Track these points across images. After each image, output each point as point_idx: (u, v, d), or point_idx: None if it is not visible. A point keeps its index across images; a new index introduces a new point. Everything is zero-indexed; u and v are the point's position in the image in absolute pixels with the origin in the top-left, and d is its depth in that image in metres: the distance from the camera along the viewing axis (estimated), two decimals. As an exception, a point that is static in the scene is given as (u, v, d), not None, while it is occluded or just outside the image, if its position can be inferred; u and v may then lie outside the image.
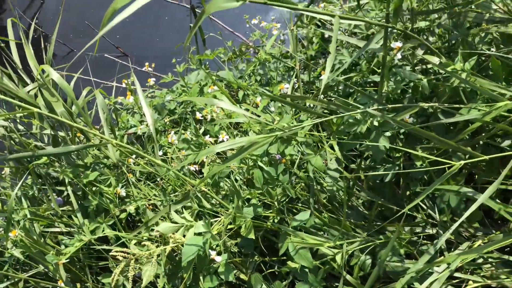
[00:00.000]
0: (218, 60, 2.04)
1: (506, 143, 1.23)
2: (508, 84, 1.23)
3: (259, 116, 1.51)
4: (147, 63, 1.73)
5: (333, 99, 1.71)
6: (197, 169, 1.46)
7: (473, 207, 0.88)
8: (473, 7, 1.24)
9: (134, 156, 1.35)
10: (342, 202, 1.43)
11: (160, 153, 1.43)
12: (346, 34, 1.80)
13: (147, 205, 1.33)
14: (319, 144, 1.40)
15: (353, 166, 1.53)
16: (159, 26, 3.47)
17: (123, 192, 1.31)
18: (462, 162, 0.89)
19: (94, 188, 1.33)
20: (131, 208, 1.29)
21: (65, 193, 1.43)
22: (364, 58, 1.67)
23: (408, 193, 1.40)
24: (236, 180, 1.36)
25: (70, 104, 1.19)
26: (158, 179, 1.40)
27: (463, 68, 0.98)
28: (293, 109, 1.46)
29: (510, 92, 0.98)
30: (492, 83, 1.05)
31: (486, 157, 0.90)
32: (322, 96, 1.75)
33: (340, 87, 1.68)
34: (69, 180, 1.34)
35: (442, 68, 0.98)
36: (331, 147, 1.37)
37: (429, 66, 1.39)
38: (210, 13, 0.72)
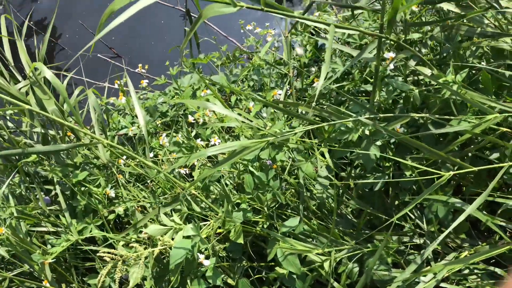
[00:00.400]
0: (212, 64, 2.05)
1: (494, 155, 1.24)
2: (498, 98, 1.25)
3: (251, 121, 1.51)
4: (140, 65, 1.73)
5: (325, 106, 1.73)
6: (187, 172, 1.46)
7: (461, 218, 0.89)
8: (465, 21, 1.26)
9: (124, 157, 1.34)
10: (332, 210, 1.43)
11: (151, 155, 1.42)
12: (340, 43, 1.81)
13: (136, 207, 1.33)
14: (310, 151, 1.41)
15: (343, 174, 1.54)
16: (154, 28, 3.47)
17: (112, 193, 1.31)
18: (451, 173, 0.90)
19: (83, 188, 1.32)
20: (120, 209, 1.28)
21: (53, 193, 1.42)
22: (357, 68, 1.68)
23: (397, 202, 1.41)
24: (227, 185, 1.36)
25: (62, 103, 1.18)
26: (148, 181, 1.40)
27: (454, 80, 0.99)
28: (285, 115, 1.47)
29: (500, 105, 0.99)
30: (482, 96, 1.07)
31: (475, 169, 0.91)
32: (315, 103, 1.76)
33: (333, 95, 1.69)
34: (58, 179, 1.33)
35: (434, 80, 0.99)
36: (322, 155, 1.38)
37: (421, 77, 1.41)
38: (206, 17, 0.72)
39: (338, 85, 1.65)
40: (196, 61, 1.90)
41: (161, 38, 3.35)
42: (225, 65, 2.03)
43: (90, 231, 1.25)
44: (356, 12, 1.73)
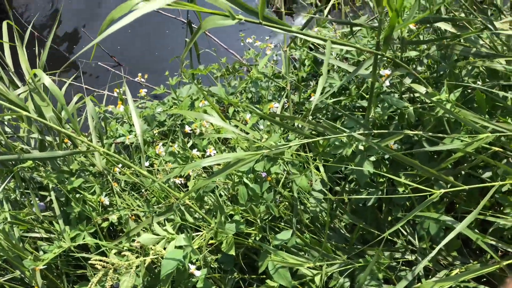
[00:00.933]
0: (211, 76, 2.07)
1: (487, 174, 1.25)
2: (492, 117, 1.27)
3: (248, 133, 1.53)
4: (139, 74, 1.75)
5: (321, 121, 1.74)
6: (182, 182, 1.46)
7: (451, 235, 0.90)
8: (461, 40, 1.27)
9: (120, 165, 1.35)
10: (325, 224, 1.44)
11: (147, 164, 1.43)
12: (338, 58, 1.83)
13: (130, 215, 1.33)
14: (305, 165, 1.42)
15: (337, 188, 1.55)
16: (158, 38, 3.50)
17: (106, 201, 1.31)
18: (443, 190, 0.91)
19: (77, 195, 1.32)
20: (113, 217, 1.28)
21: (48, 199, 1.42)
22: (354, 83, 1.70)
23: (390, 218, 1.42)
24: (221, 196, 1.37)
25: (60, 110, 1.19)
26: (143, 190, 1.40)
27: (448, 99, 1.01)
28: (281, 128, 1.48)
29: (492, 125, 1.01)
30: (476, 115, 1.08)
31: (466, 187, 0.92)
32: (311, 117, 1.77)
33: (330, 110, 1.70)
34: (53, 185, 1.33)
35: (428, 98, 1.01)
36: (317, 168, 1.39)
37: (416, 94, 1.43)
38: (206, 29, 0.74)
39: (335, 99, 1.67)
40: (196, 72, 1.92)
41: (164, 47, 3.38)
42: (224, 77, 2.04)
43: (83, 238, 1.25)
44: (354, 28, 1.75)
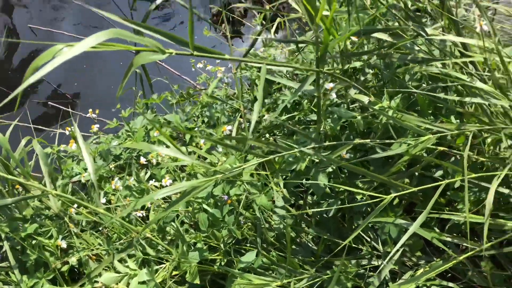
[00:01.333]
0: (167, 103, 2.06)
1: (439, 173, 1.30)
2: (436, 118, 1.32)
3: (205, 158, 1.52)
4: (90, 110, 1.73)
5: (278, 137, 1.76)
6: (144, 214, 1.44)
7: (404, 237, 0.92)
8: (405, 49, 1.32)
9: (76, 205, 1.32)
10: (291, 239, 1.44)
11: (104, 200, 1.40)
12: (288, 75, 1.87)
13: (91, 256, 1.30)
14: (265, 183, 1.42)
15: (301, 202, 1.56)
16: (112, 71, 3.47)
17: (64, 244, 1.27)
18: (393, 195, 0.93)
19: (33, 241, 1.28)
20: (73, 260, 1.25)
21: (4, 249, 1.37)
22: (306, 98, 1.74)
23: (353, 226, 1.44)
24: (183, 224, 1.35)
25: (5, 156, 1.16)
26: (100, 228, 1.37)
27: (389, 105, 1.04)
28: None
29: (433, 126, 1.05)
30: (419, 119, 1.12)
31: (415, 189, 0.95)
32: (268, 135, 1.79)
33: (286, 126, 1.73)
34: (6, 234, 1.28)
35: (370, 107, 1.04)
36: (279, 185, 1.40)
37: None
38: (138, 65, 0.74)
39: (289, 115, 1.70)
40: (149, 101, 1.91)
41: (118, 80, 3.34)
42: (179, 103, 2.04)
43: (42, 286, 1.20)
44: (301, 45, 1.79)
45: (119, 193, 1.36)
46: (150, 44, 0.69)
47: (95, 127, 1.66)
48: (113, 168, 1.60)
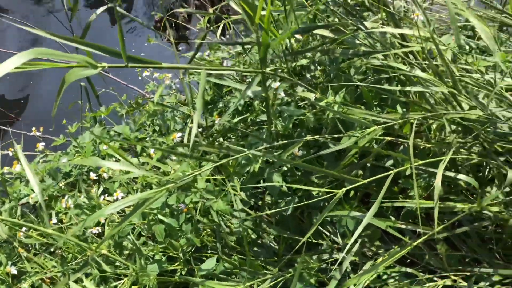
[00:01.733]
0: (116, 115, 2.01)
1: (389, 162, 1.33)
2: (383, 110, 1.35)
3: (159, 168, 1.49)
4: (34, 128, 1.66)
5: (233, 140, 1.75)
6: (100, 231, 1.40)
7: (359, 228, 0.94)
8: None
9: (24, 229, 1.26)
10: (252, 242, 1.44)
11: (55, 220, 1.35)
12: (238, 77, 1.86)
13: (46, 279, 1.24)
14: (223, 187, 1.41)
15: (260, 203, 1.56)
16: (56, 87, 3.36)
17: (13, 270, 1.21)
18: (344, 189, 0.94)
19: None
20: (24, 286, 1.19)
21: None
22: (257, 99, 1.74)
23: (312, 222, 1.45)
24: (140, 236, 1.32)
25: None
26: (52, 249, 1.32)
27: (334, 100, 1.06)
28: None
29: (378, 117, 1.07)
30: (366, 111, 1.14)
31: (365, 181, 0.97)
32: (222, 138, 1.78)
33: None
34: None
35: (315, 103, 1.05)
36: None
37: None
38: (70, 82, 0.72)
39: (241, 117, 1.69)
40: (97, 114, 1.86)
41: (64, 96, 3.24)
42: (129, 114, 1.99)
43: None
44: (248, 46, 1.79)
45: (70, 211, 1.31)
46: (80, 60, 0.67)
47: (40, 146, 1.60)
48: (63, 186, 1.54)
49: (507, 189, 1.17)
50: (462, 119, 1.10)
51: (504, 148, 1.13)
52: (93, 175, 1.34)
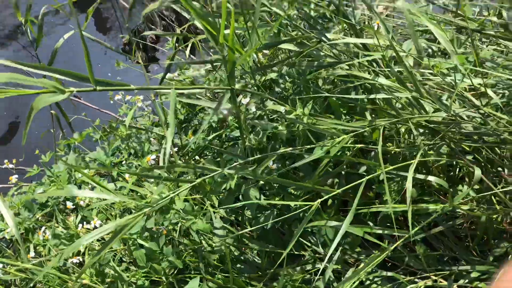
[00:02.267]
0: (91, 140, 1.99)
1: (363, 169, 1.35)
2: (352, 118, 1.37)
3: (137, 192, 1.48)
4: (6, 160, 1.63)
5: (208, 157, 1.76)
6: (81, 260, 1.38)
7: (338, 237, 0.95)
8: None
9: (1, 265, 1.23)
10: (236, 259, 1.44)
11: (33, 254, 1.33)
12: (209, 94, 1.88)
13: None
14: (202, 206, 1.41)
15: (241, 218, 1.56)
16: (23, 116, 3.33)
17: (-8, 310, 1.18)
18: (319, 200, 0.96)
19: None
20: (4, 325, 1.16)
21: None
22: (230, 115, 1.75)
23: (292, 234, 1.46)
24: (122, 262, 1.31)
25: None
26: (31, 284, 1.29)
27: (303, 112, 1.07)
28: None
29: (348, 126, 1.09)
30: (334, 121, 1.17)
31: (339, 191, 0.98)
32: (198, 157, 1.78)
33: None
34: None
35: (284, 117, 1.07)
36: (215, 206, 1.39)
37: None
38: (38, 109, 0.71)
39: (216, 133, 1.70)
40: (70, 142, 1.84)
41: (39, 125, 3.20)
42: (103, 139, 1.98)
43: None
44: (217, 63, 1.81)
45: (48, 242, 1.29)
46: (47, 85, 0.67)
47: (13, 178, 1.57)
48: (40, 218, 1.52)
49: (477, 186, 1.20)
50: (427, 121, 1.13)
51: (471, 147, 1.17)
52: (69, 204, 1.33)
